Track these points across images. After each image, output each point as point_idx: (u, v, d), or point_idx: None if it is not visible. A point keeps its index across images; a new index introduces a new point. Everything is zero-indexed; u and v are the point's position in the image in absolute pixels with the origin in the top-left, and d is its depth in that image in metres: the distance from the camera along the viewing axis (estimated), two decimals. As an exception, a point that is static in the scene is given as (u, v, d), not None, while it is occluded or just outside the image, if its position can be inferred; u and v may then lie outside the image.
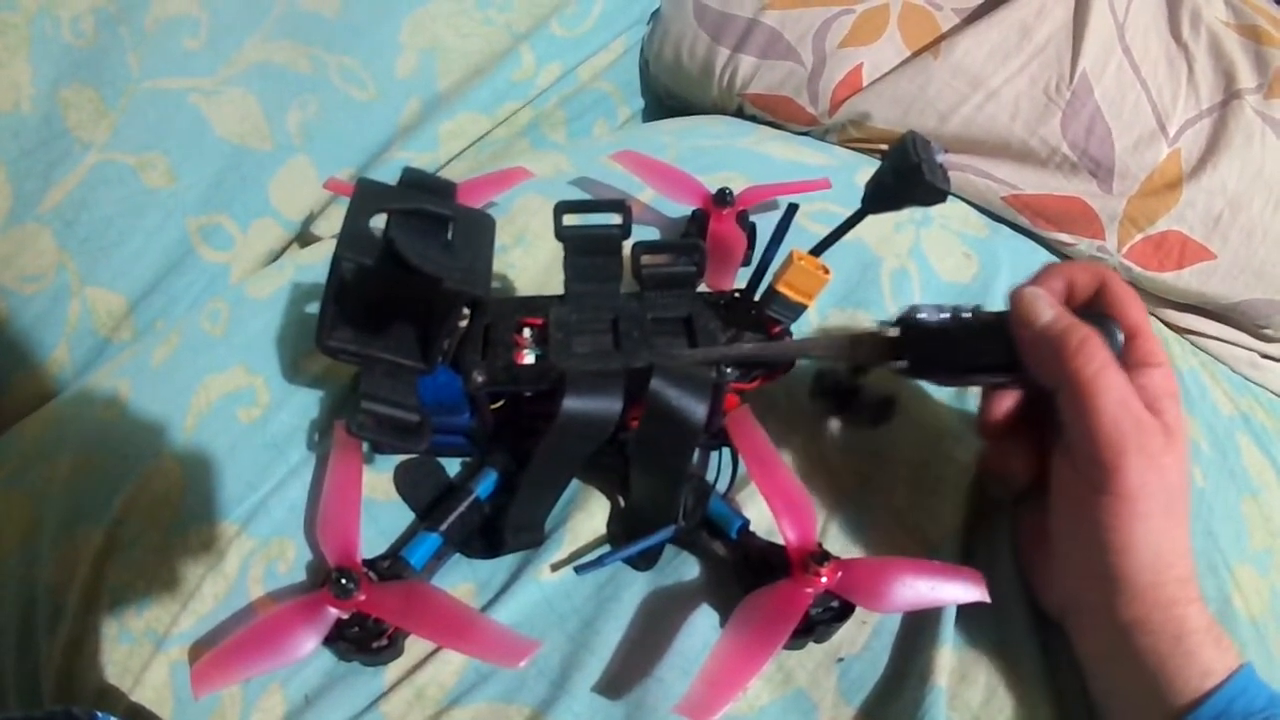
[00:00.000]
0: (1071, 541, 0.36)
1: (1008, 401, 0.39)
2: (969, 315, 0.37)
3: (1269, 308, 0.60)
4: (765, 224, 0.49)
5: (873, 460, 0.43)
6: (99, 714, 0.33)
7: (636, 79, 0.77)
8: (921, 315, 0.37)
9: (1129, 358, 0.36)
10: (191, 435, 0.41)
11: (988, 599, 0.34)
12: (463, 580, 0.39)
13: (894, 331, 0.37)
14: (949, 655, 0.37)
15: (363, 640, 0.35)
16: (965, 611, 0.38)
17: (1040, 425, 0.38)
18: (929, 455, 0.43)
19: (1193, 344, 0.63)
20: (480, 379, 0.36)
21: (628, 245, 0.38)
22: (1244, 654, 0.44)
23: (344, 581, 0.33)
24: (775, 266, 0.38)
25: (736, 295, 0.40)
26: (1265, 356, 0.64)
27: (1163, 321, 0.63)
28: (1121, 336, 0.36)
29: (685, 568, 0.39)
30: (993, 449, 0.41)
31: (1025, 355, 0.35)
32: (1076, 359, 0.33)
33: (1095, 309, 0.37)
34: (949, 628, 0.38)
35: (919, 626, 0.38)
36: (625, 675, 0.36)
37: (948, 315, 0.37)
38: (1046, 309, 0.35)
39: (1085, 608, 0.36)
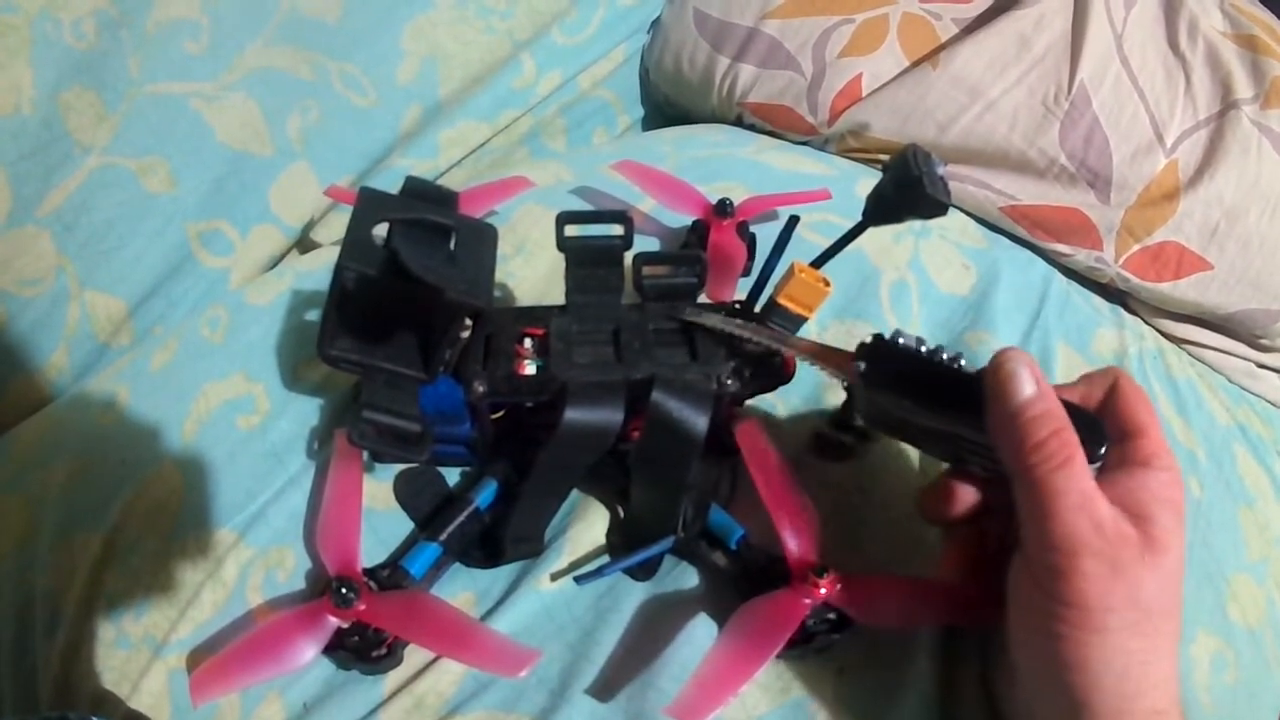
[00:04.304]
0: (1027, 653, 0.32)
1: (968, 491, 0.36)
2: (948, 358, 0.34)
3: (1265, 317, 0.60)
4: (765, 234, 0.50)
5: (872, 473, 0.43)
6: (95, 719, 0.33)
7: (636, 87, 0.77)
8: (902, 339, 0.34)
9: (1130, 457, 0.32)
10: (191, 442, 0.41)
11: (984, 620, 0.34)
12: (463, 590, 0.39)
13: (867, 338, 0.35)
14: (946, 669, 0.37)
15: (362, 649, 0.35)
16: (962, 627, 0.38)
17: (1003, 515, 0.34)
18: (929, 468, 0.44)
19: (1190, 354, 0.63)
20: (481, 389, 0.36)
21: (629, 256, 0.38)
22: (1240, 663, 0.45)
23: (344, 591, 0.33)
24: (776, 278, 0.38)
25: (737, 306, 0.40)
26: (1262, 366, 0.65)
27: (1160, 332, 0.63)
28: (1107, 440, 0.32)
29: (684, 578, 0.39)
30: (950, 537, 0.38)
31: (994, 433, 0.32)
32: (1038, 453, 0.30)
33: (1103, 411, 0.34)
34: (946, 643, 0.38)
35: (916, 641, 0.38)
36: (624, 684, 0.36)
37: (928, 348, 0.34)
38: (1028, 384, 0.31)
39: None
